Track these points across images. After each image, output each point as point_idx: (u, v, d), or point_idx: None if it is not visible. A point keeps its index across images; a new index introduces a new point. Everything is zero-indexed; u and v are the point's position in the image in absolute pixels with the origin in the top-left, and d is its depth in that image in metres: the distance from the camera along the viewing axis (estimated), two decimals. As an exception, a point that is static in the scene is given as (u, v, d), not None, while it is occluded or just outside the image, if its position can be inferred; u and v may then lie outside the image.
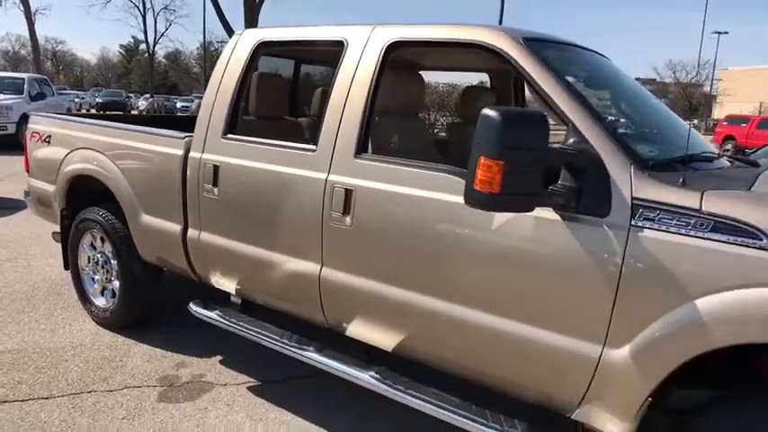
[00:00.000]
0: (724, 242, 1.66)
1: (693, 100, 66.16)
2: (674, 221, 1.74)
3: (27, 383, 3.05)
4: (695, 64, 58.96)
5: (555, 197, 1.86)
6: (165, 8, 43.48)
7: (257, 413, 2.90)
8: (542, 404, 2.10)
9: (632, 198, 1.81)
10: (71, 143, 3.77)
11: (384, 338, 2.42)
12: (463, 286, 2.12)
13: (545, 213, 1.93)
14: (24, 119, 12.85)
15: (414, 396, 2.32)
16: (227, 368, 3.34)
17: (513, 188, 1.69)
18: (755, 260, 1.61)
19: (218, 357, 3.46)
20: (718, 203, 1.70)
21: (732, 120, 25.79)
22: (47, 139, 4.02)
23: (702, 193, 1.74)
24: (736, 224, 1.65)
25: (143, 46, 57.86)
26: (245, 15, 19.56)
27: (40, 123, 4.15)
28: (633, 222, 1.79)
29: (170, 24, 65.28)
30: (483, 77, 3.88)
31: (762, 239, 1.61)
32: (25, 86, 13.38)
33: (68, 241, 3.94)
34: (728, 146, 23.76)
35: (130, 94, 45.30)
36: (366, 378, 2.46)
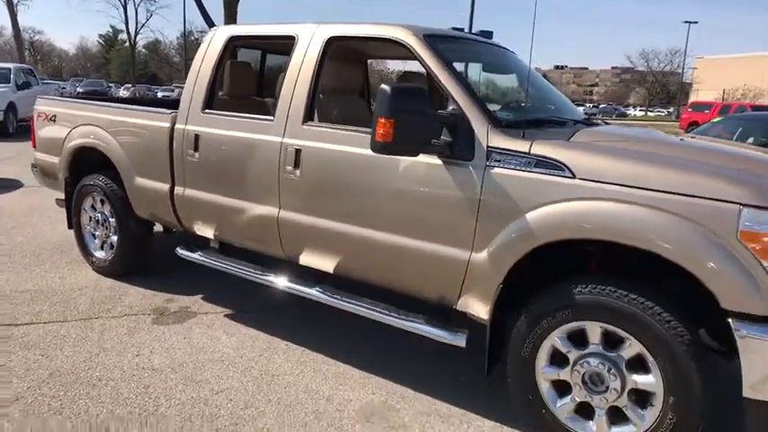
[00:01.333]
0: (543, 173, 2.46)
1: (671, 88, 67.74)
2: (513, 161, 2.53)
3: (46, 312, 3.79)
4: (667, 53, 60.53)
5: (436, 147, 2.64)
6: (145, -1, 43.52)
7: (232, 330, 3.67)
8: (437, 302, 2.88)
9: (487, 146, 2.60)
10: (74, 121, 4.47)
11: (325, 263, 3.20)
12: (379, 215, 2.90)
13: (432, 160, 2.70)
14: (11, 107, 13.39)
15: (346, 302, 3.11)
16: (208, 302, 4.10)
17: (402, 139, 2.47)
18: (561, 185, 2.41)
19: (201, 295, 4.22)
20: (540, 148, 2.50)
21: (696, 106, 26.93)
22: (52, 118, 4.71)
23: (532, 142, 2.53)
24: (550, 161, 2.45)
25: (122, 36, 57.79)
26: (224, 5, 20.06)
27: (45, 105, 4.84)
28: (487, 163, 2.58)
29: (150, 15, 65.07)
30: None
31: (564, 171, 2.41)
32: (12, 76, 13.86)
33: (72, 204, 4.65)
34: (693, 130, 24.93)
35: (110, 84, 45.39)
36: (312, 292, 3.25)
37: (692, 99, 56.08)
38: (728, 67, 57.40)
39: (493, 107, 2.87)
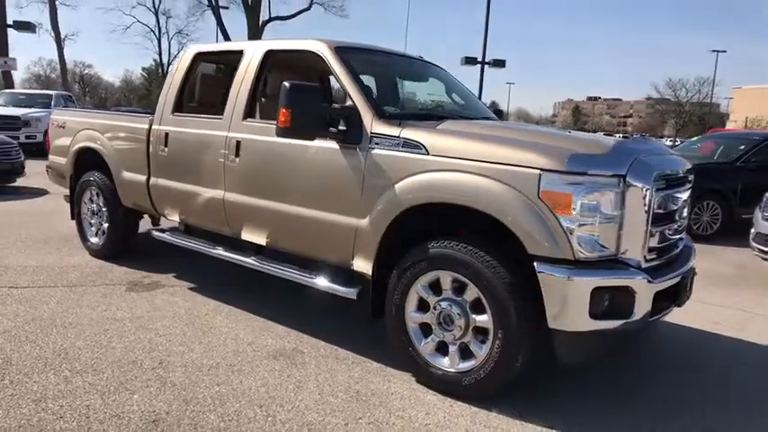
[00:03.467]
0: (407, 152, 3.06)
1: (708, 117, 66.78)
2: (387, 143, 3.14)
3: (42, 280, 4.54)
4: (695, 82, 60.25)
5: (333, 133, 3.28)
6: (179, 32, 45.88)
7: (189, 298, 4.33)
8: (340, 264, 3.46)
9: (371, 133, 3.22)
10: (78, 126, 5.30)
11: (259, 237, 3.84)
12: (294, 192, 3.54)
13: (332, 145, 3.34)
14: (51, 128, 14.62)
15: (271, 267, 3.74)
16: (176, 279, 4.79)
17: (298, 125, 3.13)
18: (419, 160, 3.01)
19: (173, 274, 4.91)
20: (407, 132, 3.11)
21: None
22: (62, 125, 5.56)
23: (402, 128, 3.14)
24: (412, 142, 3.06)
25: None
26: (248, 37, 21.40)
27: (58, 115, 5.73)
28: (370, 146, 3.20)
29: (182, 47, 68.52)
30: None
31: (421, 149, 3.01)
32: (52, 102, 15.20)
33: (74, 198, 5.44)
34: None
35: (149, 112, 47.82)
36: (248, 260, 3.90)
37: (730, 128, 55.26)
38: (764, 96, 56.62)
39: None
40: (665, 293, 2.89)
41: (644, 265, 2.77)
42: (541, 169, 2.64)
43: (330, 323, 3.91)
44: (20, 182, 9.23)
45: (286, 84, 3.11)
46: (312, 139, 3.29)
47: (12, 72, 24.12)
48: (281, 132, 3.15)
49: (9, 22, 22.67)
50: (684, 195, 3.20)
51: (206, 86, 4.54)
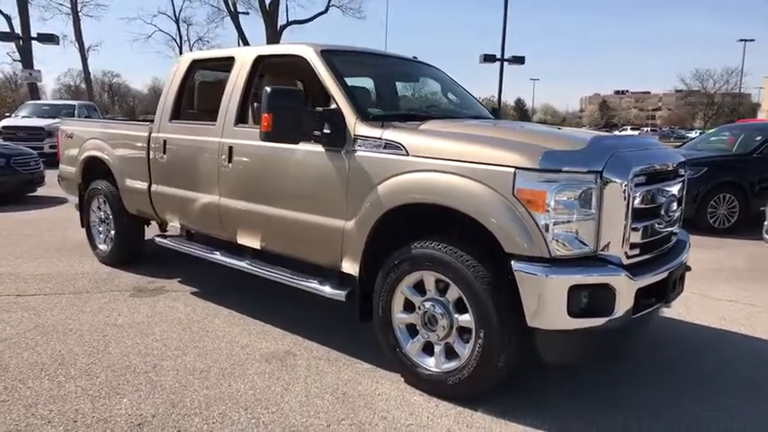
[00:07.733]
0: (388, 153, 3.06)
1: (739, 108, 65.20)
2: (369, 145, 3.15)
3: (50, 288, 4.67)
4: (723, 73, 58.85)
5: (317, 136, 3.29)
6: (200, 39, 46.26)
7: (190, 302, 4.40)
8: (331, 266, 3.47)
9: (354, 135, 3.23)
10: (85, 136, 5.43)
11: (254, 241, 3.88)
12: (283, 195, 3.57)
13: (318, 148, 3.35)
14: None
15: (264, 270, 3.77)
16: (180, 284, 4.86)
17: (280, 129, 3.16)
18: (401, 161, 3.00)
19: (178, 279, 4.99)
20: (388, 133, 3.10)
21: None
22: (70, 136, 5.71)
23: (384, 129, 3.14)
24: (393, 143, 3.05)
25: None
26: (266, 44, 21.64)
27: (66, 125, 5.87)
28: (353, 149, 3.21)
29: (203, 56, 69.21)
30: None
31: (401, 149, 3.01)
32: (76, 112, 15.60)
33: (83, 206, 5.58)
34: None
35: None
36: (242, 264, 3.94)
37: (760, 118, 53.78)
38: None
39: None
40: (651, 290, 2.83)
41: (625, 261, 2.71)
42: (516, 167, 2.61)
43: (329, 325, 3.93)
44: (40, 191, 9.51)
45: (267, 88, 3.14)
46: (296, 142, 3.32)
47: (41, 83, 24.86)
48: (265, 137, 3.19)
49: (33, 34, 23.30)
50: (674, 189, 3.12)
51: (201, 93, 4.59)
